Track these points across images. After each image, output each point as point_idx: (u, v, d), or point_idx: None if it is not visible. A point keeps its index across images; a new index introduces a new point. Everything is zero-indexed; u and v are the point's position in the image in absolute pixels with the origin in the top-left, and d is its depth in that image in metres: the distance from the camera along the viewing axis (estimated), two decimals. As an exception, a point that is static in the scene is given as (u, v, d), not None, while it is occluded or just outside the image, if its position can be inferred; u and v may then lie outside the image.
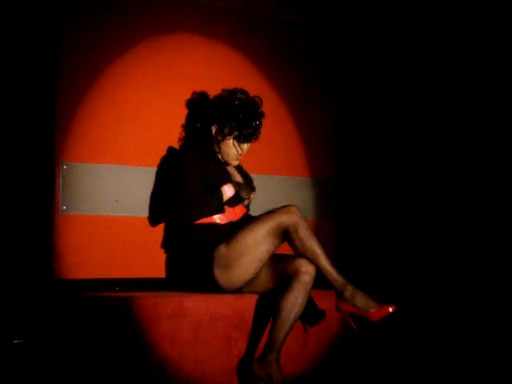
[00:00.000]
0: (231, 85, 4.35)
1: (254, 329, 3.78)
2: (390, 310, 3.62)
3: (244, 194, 3.89)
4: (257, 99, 3.91)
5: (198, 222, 3.82)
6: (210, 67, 4.50)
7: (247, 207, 3.98)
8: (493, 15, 4.67)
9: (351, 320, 3.71)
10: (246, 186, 3.92)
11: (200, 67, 4.46)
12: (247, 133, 3.87)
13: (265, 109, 4.07)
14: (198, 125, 3.93)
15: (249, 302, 3.79)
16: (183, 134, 4.05)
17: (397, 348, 4.40)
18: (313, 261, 3.66)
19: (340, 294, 3.68)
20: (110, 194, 4.09)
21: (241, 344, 3.75)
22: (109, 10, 4.17)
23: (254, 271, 3.73)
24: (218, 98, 3.92)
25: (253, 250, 3.69)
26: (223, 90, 3.93)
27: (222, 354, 3.71)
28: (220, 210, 3.81)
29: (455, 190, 4.78)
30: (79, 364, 3.64)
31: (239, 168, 4.05)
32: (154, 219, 4.05)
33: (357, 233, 5.10)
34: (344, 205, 5.11)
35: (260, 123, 3.90)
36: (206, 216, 3.81)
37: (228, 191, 3.85)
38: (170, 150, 4.06)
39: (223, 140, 3.89)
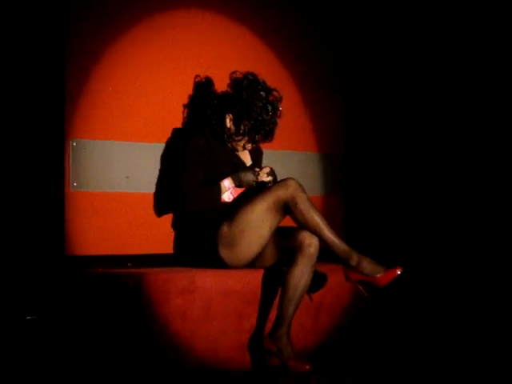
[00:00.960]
0: (239, 62, 4.36)
1: (263, 304, 3.79)
2: (398, 272, 3.63)
3: (248, 182, 3.87)
4: (277, 97, 3.89)
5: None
6: (219, 44, 4.47)
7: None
8: (502, 14, 4.65)
9: (361, 287, 3.71)
10: (250, 170, 3.88)
11: (209, 43, 4.42)
12: (262, 135, 3.87)
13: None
14: (212, 107, 3.93)
15: (259, 278, 3.80)
16: (185, 113, 4.06)
17: (405, 318, 4.41)
18: (315, 232, 3.66)
19: (346, 263, 3.68)
20: (120, 171, 4.08)
21: (252, 319, 3.77)
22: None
23: (258, 248, 3.74)
24: (238, 86, 3.89)
25: (254, 228, 3.70)
26: (245, 77, 3.89)
27: (234, 330, 3.73)
28: (216, 204, 3.81)
29: (462, 167, 4.77)
30: (91, 340, 3.66)
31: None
32: (159, 207, 4.06)
33: (366, 208, 5.09)
34: (353, 180, 5.09)
35: (276, 124, 3.89)
36: (202, 208, 3.81)
37: (228, 185, 3.84)
38: (175, 131, 4.06)
39: (235, 134, 3.88)
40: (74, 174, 3.96)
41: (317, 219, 3.66)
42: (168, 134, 4.10)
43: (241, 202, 3.76)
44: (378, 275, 3.65)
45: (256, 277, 3.79)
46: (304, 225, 3.67)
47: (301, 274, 3.65)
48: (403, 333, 4.34)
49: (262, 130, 3.85)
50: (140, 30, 4.20)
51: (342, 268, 3.72)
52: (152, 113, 4.17)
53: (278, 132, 4.03)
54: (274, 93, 3.90)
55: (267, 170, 3.92)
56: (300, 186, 3.69)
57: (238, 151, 3.98)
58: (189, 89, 4.15)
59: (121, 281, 3.64)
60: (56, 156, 3.88)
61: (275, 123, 3.89)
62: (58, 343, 3.71)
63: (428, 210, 4.88)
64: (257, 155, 4.09)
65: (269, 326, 3.74)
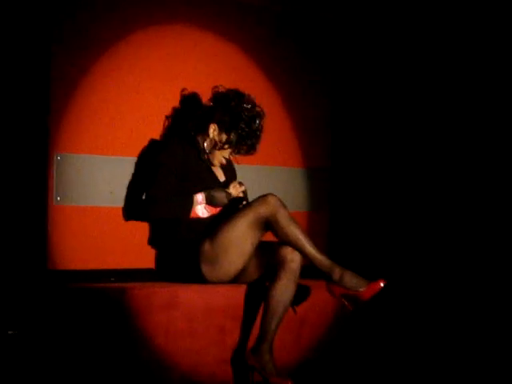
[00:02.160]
0: (225, 78, 4.36)
1: (246, 319, 3.79)
2: (381, 284, 3.62)
3: (219, 203, 3.87)
4: (261, 112, 3.91)
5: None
6: (203, 58, 4.48)
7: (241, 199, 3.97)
8: (494, 14, 4.67)
9: (345, 301, 3.71)
10: (223, 191, 3.89)
11: (194, 58, 4.44)
12: (247, 146, 3.88)
13: (259, 99, 4.06)
14: (194, 119, 3.94)
15: (242, 293, 3.80)
16: (167, 124, 4.07)
17: (389, 333, 4.42)
18: (296, 247, 3.66)
19: (328, 277, 3.68)
20: (104, 185, 4.08)
21: (235, 335, 3.77)
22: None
23: (241, 265, 3.74)
24: (224, 97, 3.91)
25: (236, 245, 3.70)
26: (229, 90, 3.92)
27: (216, 345, 3.72)
28: (185, 217, 3.81)
29: (448, 180, 4.79)
30: (73, 355, 3.65)
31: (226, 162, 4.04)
32: (128, 212, 4.06)
33: (351, 223, 5.10)
34: (338, 195, 5.10)
35: (260, 138, 3.90)
36: (168, 217, 3.81)
37: (199, 200, 3.84)
38: (152, 141, 4.08)
39: (220, 144, 3.89)
40: (58, 188, 3.95)
41: (298, 234, 3.66)
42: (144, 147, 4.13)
43: (222, 219, 3.76)
44: (362, 289, 3.64)
45: (239, 292, 3.79)
46: (285, 240, 3.67)
47: (283, 289, 3.65)
48: (387, 348, 4.34)
49: (247, 141, 3.86)
50: (126, 45, 4.21)
51: (325, 282, 3.72)
52: (137, 127, 4.18)
53: (264, 147, 4.05)
54: (257, 108, 3.92)
55: (235, 183, 3.93)
56: (280, 201, 3.69)
57: (213, 165, 3.98)
58: (173, 104, 4.16)
59: (104, 295, 3.63)
60: (40, 170, 3.87)
61: (259, 136, 3.91)
62: (39, 358, 3.69)
63: (413, 223, 4.89)
64: (231, 173, 4.10)
65: (251, 341, 3.73)
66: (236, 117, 3.85)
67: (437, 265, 4.74)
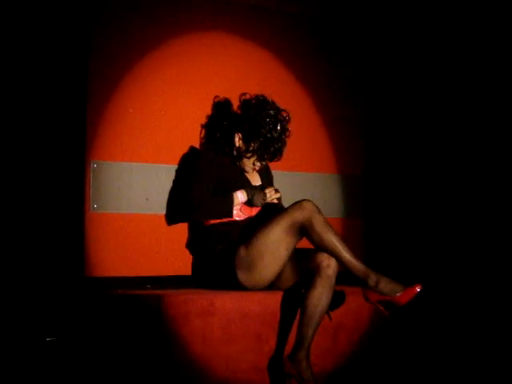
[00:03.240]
0: (259, 83, 4.38)
1: (282, 326, 3.78)
2: (418, 289, 3.60)
3: (257, 202, 3.88)
4: (286, 117, 3.91)
5: (217, 220, 3.84)
6: (238, 65, 4.50)
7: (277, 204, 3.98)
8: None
9: (382, 307, 3.69)
10: (261, 192, 3.91)
11: (228, 65, 4.45)
12: (271, 154, 3.89)
13: (292, 105, 4.07)
14: (221, 128, 3.96)
15: (278, 300, 3.80)
16: (203, 133, 4.09)
17: (426, 339, 4.39)
18: (332, 253, 3.65)
19: (364, 283, 3.67)
20: (140, 192, 4.10)
21: (271, 341, 3.76)
22: (138, 8, 4.17)
23: (276, 271, 3.73)
24: (246, 107, 3.92)
25: (272, 250, 3.69)
26: (252, 98, 3.93)
27: (253, 352, 3.72)
28: (228, 215, 3.83)
29: (483, 184, 4.76)
30: (111, 361, 3.67)
31: (261, 168, 4.04)
32: (170, 217, 4.08)
33: (386, 230, 5.08)
34: (373, 201, 5.09)
35: (285, 144, 3.90)
36: (212, 218, 3.83)
37: (241, 197, 3.86)
38: (191, 149, 4.10)
39: (244, 153, 3.90)
40: (95, 196, 3.98)
41: (334, 240, 3.65)
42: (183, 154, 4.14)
43: (257, 225, 3.76)
44: (398, 294, 3.63)
45: (274, 299, 3.79)
46: (321, 246, 3.67)
47: (319, 295, 3.64)
48: (424, 354, 4.31)
49: (270, 148, 3.87)
50: (161, 52, 4.24)
51: (361, 289, 3.71)
52: (172, 135, 4.20)
53: (297, 153, 4.05)
54: (283, 113, 3.92)
55: (271, 189, 3.93)
56: (316, 207, 3.68)
57: (247, 172, 3.99)
58: (207, 110, 4.17)
59: (140, 302, 3.64)
60: (77, 178, 3.91)
61: (284, 142, 3.91)
62: (78, 365, 3.72)
63: (448, 229, 4.86)
64: (267, 178, 4.10)
65: (288, 348, 3.73)
66: (256, 124, 3.86)
67: (473, 269, 4.70)
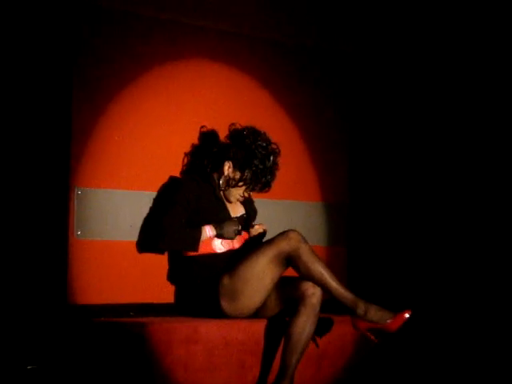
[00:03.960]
0: (243, 113, 4.39)
1: (266, 354, 3.78)
2: (407, 315, 3.60)
3: (229, 235, 3.86)
4: (276, 149, 3.92)
5: (198, 252, 3.83)
6: (222, 93, 4.52)
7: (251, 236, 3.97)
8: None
9: (370, 334, 3.68)
10: (233, 223, 3.88)
11: (213, 93, 4.47)
12: (261, 185, 3.89)
13: (277, 133, 4.08)
14: (209, 155, 3.95)
15: (262, 328, 3.79)
16: (186, 161, 4.08)
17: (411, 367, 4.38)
18: (319, 283, 3.64)
19: (353, 312, 3.66)
20: (124, 219, 4.09)
21: (255, 369, 3.75)
22: (122, 36, 4.19)
23: (260, 300, 3.73)
24: (238, 135, 3.92)
25: (256, 280, 3.69)
26: (245, 128, 3.93)
27: (236, 380, 3.70)
28: (193, 249, 3.81)
29: (471, 212, 4.77)
30: (93, 389, 3.64)
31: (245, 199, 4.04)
32: (140, 244, 4.06)
33: (370, 258, 5.09)
34: (356, 230, 5.10)
35: (275, 175, 3.91)
36: (177, 249, 3.82)
37: (208, 232, 3.84)
38: (170, 178, 4.08)
39: (234, 183, 3.89)
40: (79, 222, 3.97)
41: (321, 270, 3.65)
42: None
43: (241, 255, 3.76)
44: (388, 321, 3.62)
45: (259, 327, 3.78)
46: (308, 276, 3.66)
47: (304, 324, 3.63)
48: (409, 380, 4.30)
49: (262, 179, 3.87)
50: (147, 79, 4.25)
51: (350, 317, 3.70)
52: (157, 162, 4.20)
53: (281, 182, 4.06)
54: (273, 145, 3.93)
55: (260, 229, 3.93)
56: (302, 237, 3.68)
57: (230, 202, 3.98)
58: (192, 139, 4.17)
59: (124, 330, 3.63)
60: (61, 204, 3.89)
61: (274, 174, 3.92)
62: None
63: (435, 260, 4.87)
64: (251, 209, 4.09)
65: (272, 376, 3.71)
66: (250, 154, 3.87)
67: (459, 294, 4.71)
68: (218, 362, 3.66)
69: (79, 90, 4.00)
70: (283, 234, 3.70)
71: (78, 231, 3.97)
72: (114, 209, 4.07)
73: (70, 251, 3.93)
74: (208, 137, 4.09)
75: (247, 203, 4.06)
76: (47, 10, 3.89)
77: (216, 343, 3.66)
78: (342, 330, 3.90)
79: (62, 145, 3.91)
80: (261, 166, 3.86)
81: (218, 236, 3.84)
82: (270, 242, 3.71)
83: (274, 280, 3.71)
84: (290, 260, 3.68)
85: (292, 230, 3.70)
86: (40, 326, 3.77)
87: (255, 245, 3.83)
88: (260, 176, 3.86)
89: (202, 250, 3.84)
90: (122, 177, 4.11)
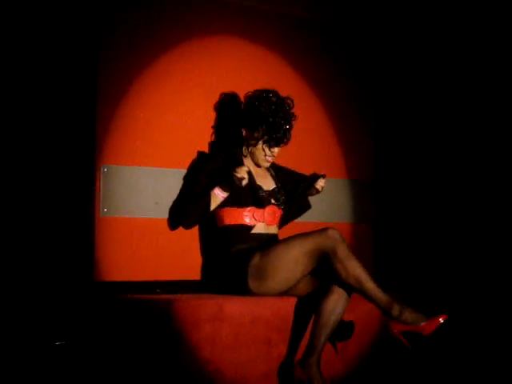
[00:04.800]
0: (267, 86, 4.36)
1: (294, 331, 3.76)
2: (441, 320, 3.56)
3: (234, 185, 3.74)
4: (288, 101, 3.85)
5: (227, 223, 3.80)
6: (248, 69, 4.51)
7: (284, 208, 3.93)
8: None
9: (403, 339, 3.64)
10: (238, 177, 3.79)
11: (239, 69, 4.46)
12: (277, 137, 3.82)
13: (301, 111, 4.04)
14: (227, 127, 3.91)
15: (289, 305, 3.77)
16: (213, 136, 4.04)
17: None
18: (356, 283, 3.59)
19: (388, 314, 3.62)
20: (150, 197, 4.10)
21: (281, 347, 3.73)
22: (146, 12, 4.17)
23: (286, 287, 3.70)
24: (248, 99, 3.87)
25: (286, 268, 3.65)
26: (253, 91, 3.90)
27: (263, 358, 3.69)
28: (206, 212, 3.70)
29: (497, 192, 4.72)
30: (120, 366, 3.65)
31: (276, 170, 4.00)
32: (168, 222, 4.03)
33: (395, 236, 5.06)
34: (383, 208, 5.07)
35: (290, 126, 3.84)
36: (189, 222, 3.76)
37: (218, 192, 3.78)
38: (198, 153, 4.04)
39: (253, 143, 3.86)
40: (105, 200, 3.98)
41: (359, 270, 3.60)
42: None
43: (275, 240, 3.74)
44: (422, 323, 3.59)
45: (286, 304, 3.76)
46: (344, 274, 3.60)
47: (335, 303, 3.61)
48: (436, 365, 4.28)
49: (277, 130, 3.81)
50: (168, 58, 4.25)
51: (384, 320, 3.66)
52: (182, 139, 4.19)
53: (306, 158, 4.03)
54: (284, 99, 3.87)
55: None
56: (340, 236, 3.64)
57: (259, 166, 3.93)
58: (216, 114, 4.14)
59: (150, 307, 3.63)
60: (87, 182, 3.91)
61: (289, 124, 3.84)
62: (87, 369, 3.70)
63: (460, 238, 4.82)
64: (285, 178, 4.04)
65: (299, 354, 3.71)
66: (258, 112, 3.82)
67: (487, 279, 4.66)
68: (244, 339, 3.66)
69: (104, 67, 4.00)
70: (323, 230, 3.65)
71: (104, 209, 3.97)
72: (139, 186, 4.08)
73: (96, 229, 3.94)
74: (229, 107, 4.03)
75: (278, 175, 4.01)
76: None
77: (242, 321, 3.65)
78: (367, 308, 3.87)
79: (87, 123, 3.93)
80: (270, 119, 3.80)
81: (229, 190, 3.75)
82: (308, 234, 3.67)
83: (303, 272, 3.68)
84: (325, 258, 3.63)
85: (331, 227, 3.66)
86: (67, 302, 3.79)
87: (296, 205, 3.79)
88: (274, 128, 3.81)
89: (233, 220, 3.82)
90: (147, 154, 4.11)
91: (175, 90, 4.21)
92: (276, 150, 3.89)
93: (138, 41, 4.12)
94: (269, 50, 4.60)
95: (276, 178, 4.01)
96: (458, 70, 4.91)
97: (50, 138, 3.82)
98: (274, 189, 3.96)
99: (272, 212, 3.88)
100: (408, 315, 3.58)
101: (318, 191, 3.97)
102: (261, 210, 3.85)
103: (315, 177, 3.92)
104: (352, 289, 3.62)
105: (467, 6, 4.84)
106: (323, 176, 3.94)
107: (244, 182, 3.73)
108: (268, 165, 3.94)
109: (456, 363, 4.40)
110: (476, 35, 4.83)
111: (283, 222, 3.97)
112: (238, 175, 3.73)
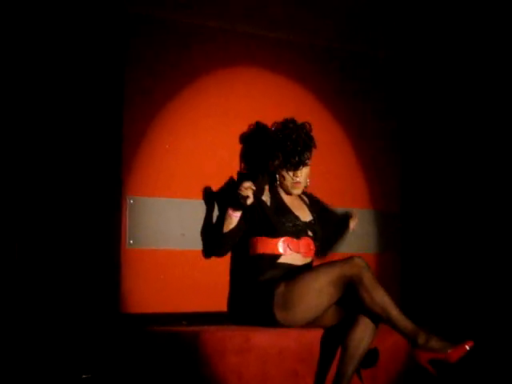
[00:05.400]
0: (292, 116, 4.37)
1: (320, 363, 3.72)
2: (468, 347, 3.52)
3: (239, 201, 3.73)
4: (306, 124, 3.87)
5: (259, 252, 3.79)
6: (271, 99, 4.51)
7: (317, 241, 3.93)
8: None
9: (430, 367, 3.60)
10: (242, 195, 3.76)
11: (262, 99, 4.47)
12: (294, 161, 3.83)
13: (328, 141, 4.06)
14: (255, 158, 3.93)
15: (316, 336, 3.74)
16: (242, 166, 4.04)
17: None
18: (382, 310, 3.57)
19: (414, 342, 3.58)
20: (176, 228, 4.10)
21: (308, 379, 3.70)
22: (173, 42, 4.20)
23: (312, 317, 3.68)
24: (270, 131, 3.91)
25: (312, 297, 3.63)
26: (275, 123, 3.91)
27: (290, 390, 3.67)
28: (222, 230, 3.69)
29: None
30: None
31: (311, 201, 4.00)
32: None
33: (422, 266, 5.02)
34: (409, 239, 5.03)
35: (306, 148, 3.85)
36: (217, 248, 3.75)
37: (232, 214, 3.72)
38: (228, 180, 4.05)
39: (278, 173, 3.87)
40: (131, 231, 3.98)
41: (384, 298, 3.57)
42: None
43: (303, 268, 3.73)
44: (449, 350, 3.54)
45: (312, 336, 3.73)
46: (370, 303, 3.57)
47: (362, 334, 3.58)
48: None
49: (291, 155, 3.81)
50: (193, 89, 4.27)
51: (411, 349, 3.61)
52: (207, 170, 4.19)
53: (331, 188, 4.01)
54: (304, 124, 3.88)
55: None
56: (366, 264, 3.62)
57: (291, 194, 3.92)
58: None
59: (177, 339, 3.61)
60: (113, 213, 3.91)
61: (306, 147, 3.83)
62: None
63: (487, 271, 4.77)
64: (319, 210, 4.04)
65: (326, 386, 3.68)
66: (274, 139, 3.84)
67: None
68: (271, 371, 3.63)
69: (130, 99, 4.03)
70: (348, 258, 3.64)
71: (130, 240, 3.97)
72: (165, 217, 4.08)
73: (122, 260, 3.94)
74: (256, 135, 4.04)
75: (314, 207, 4.00)
76: (98, 23, 3.91)
77: (269, 352, 3.62)
78: (394, 339, 3.83)
79: (113, 154, 3.94)
80: (284, 144, 3.81)
81: (236, 206, 3.74)
82: (334, 263, 3.65)
83: (329, 302, 3.65)
84: (351, 286, 3.61)
85: (357, 256, 3.65)
86: (94, 335, 3.78)
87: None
88: (289, 152, 3.80)
89: (266, 249, 3.81)
90: (173, 185, 4.12)
91: (200, 120, 4.23)
92: (299, 173, 3.88)
93: (164, 70, 4.14)
94: (293, 81, 4.61)
95: (312, 210, 4.00)
96: (486, 104, 4.89)
97: (77, 169, 3.84)
98: (310, 221, 3.95)
99: (307, 244, 3.87)
100: (434, 343, 3.54)
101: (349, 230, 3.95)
102: (296, 241, 3.84)
103: (347, 217, 3.92)
104: (378, 318, 3.60)
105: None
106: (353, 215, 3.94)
107: (249, 201, 3.72)
108: (298, 191, 3.92)
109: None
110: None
111: (318, 253, 3.96)
112: (243, 193, 3.73)
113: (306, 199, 4.00)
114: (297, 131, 3.84)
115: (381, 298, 3.57)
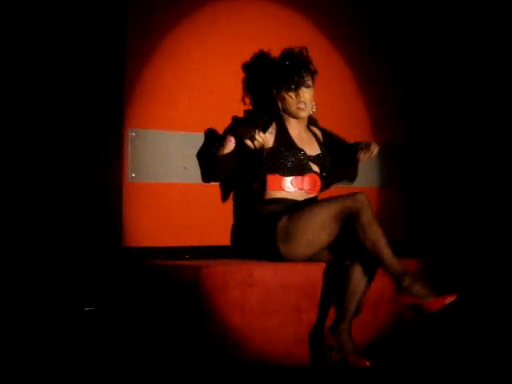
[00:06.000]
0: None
1: (323, 298, 3.73)
2: (448, 301, 3.49)
3: (246, 136, 3.70)
4: (303, 49, 3.83)
5: (263, 187, 3.77)
6: (276, 33, 4.44)
7: (322, 176, 3.89)
8: None
9: (409, 312, 3.59)
10: (252, 129, 3.72)
11: (267, 32, 4.40)
12: (295, 80, 3.78)
13: (327, 70, 4.00)
14: (258, 88, 3.89)
15: (319, 271, 3.75)
16: (247, 100, 3.99)
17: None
18: (373, 247, 3.55)
19: (399, 284, 3.57)
20: (178, 161, 4.07)
21: (311, 313, 3.71)
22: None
23: (313, 252, 3.68)
24: (270, 58, 3.87)
25: (313, 231, 3.63)
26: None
27: (292, 324, 3.67)
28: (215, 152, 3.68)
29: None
30: (148, 332, 3.65)
31: (324, 136, 3.96)
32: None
33: (425, 200, 5.01)
34: (412, 172, 5.02)
35: (304, 67, 3.80)
36: (213, 171, 3.72)
37: (230, 140, 3.70)
38: (232, 118, 4.00)
39: (281, 98, 3.82)
40: (133, 165, 3.95)
41: (378, 235, 3.55)
42: (226, 125, 4.05)
43: (306, 203, 3.71)
44: (429, 299, 3.52)
45: (316, 270, 3.73)
46: (363, 239, 3.56)
47: (363, 270, 3.60)
48: (466, 329, 4.24)
49: (291, 75, 3.76)
50: (197, 19, 4.20)
51: (394, 289, 3.61)
52: (210, 103, 4.16)
53: (334, 121, 3.97)
54: (300, 49, 3.84)
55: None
56: (368, 201, 3.60)
57: (297, 117, 3.87)
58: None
59: (179, 273, 3.61)
60: (115, 146, 3.88)
61: (305, 67, 3.80)
62: (115, 335, 3.71)
63: (490, 202, 4.77)
64: (329, 143, 3.99)
65: (329, 320, 3.68)
66: (275, 65, 3.80)
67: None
68: (273, 305, 3.64)
69: (132, 28, 3.96)
70: (351, 194, 3.62)
71: (132, 173, 3.95)
72: (167, 150, 4.05)
73: (124, 194, 3.91)
74: (258, 65, 3.99)
75: (324, 141, 3.95)
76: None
77: (272, 286, 3.63)
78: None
79: (115, 87, 3.90)
80: (284, 66, 3.77)
81: (240, 137, 3.71)
82: (336, 198, 3.64)
83: (329, 237, 3.64)
84: (350, 219, 3.59)
85: (360, 192, 3.62)
86: (96, 268, 3.78)
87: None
88: (289, 72, 3.77)
89: (271, 187, 3.78)
90: (176, 118, 4.08)
91: (203, 52, 4.17)
92: (302, 95, 3.83)
93: (165, 2, 4.07)
94: (301, 15, 4.54)
95: (322, 144, 3.95)
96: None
97: (78, 101, 3.80)
98: (318, 154, 3.90)
99: (312, 180, 3.84)
100: (418, 288, 3.51)
101: (369, 156, 3.90)
102: (299, 178, 3.81)
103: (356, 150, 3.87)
104: (373, 259, 3.58)
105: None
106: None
107: (254, 144, 3.68)
108: (304, 113, 3.87)
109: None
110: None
111: (324, 186, 3.93)
112: (254, 135, 3.70)
113: (317, 132, 3.96)
114: (294, 53, 3.81)
115: (374, 234, 3.56)
